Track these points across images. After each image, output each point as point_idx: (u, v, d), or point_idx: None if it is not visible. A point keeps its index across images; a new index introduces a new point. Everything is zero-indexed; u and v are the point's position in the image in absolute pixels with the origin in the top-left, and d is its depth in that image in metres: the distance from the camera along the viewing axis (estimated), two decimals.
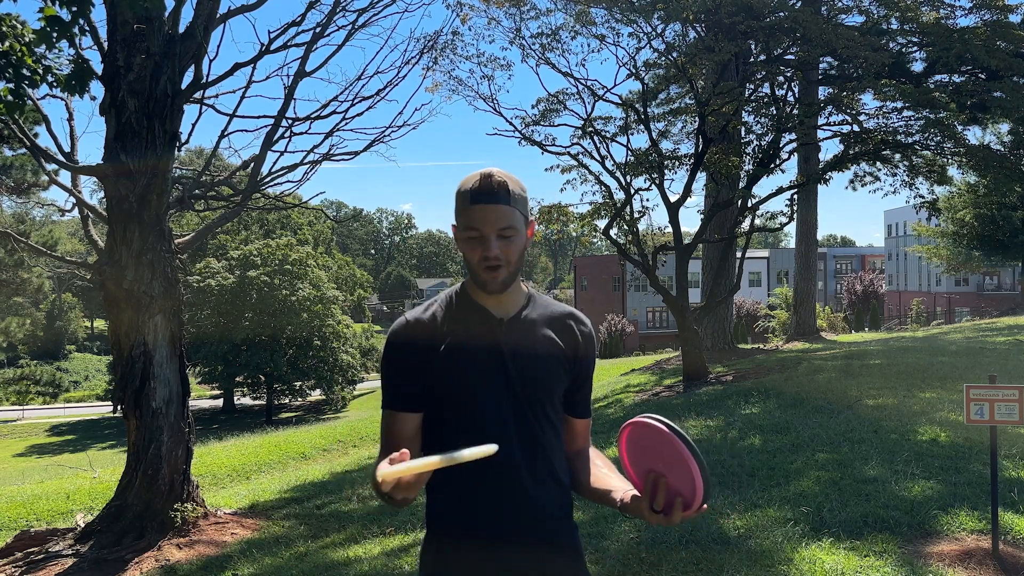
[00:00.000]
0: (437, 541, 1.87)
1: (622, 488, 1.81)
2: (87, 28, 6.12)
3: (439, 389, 1.84)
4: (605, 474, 1.92)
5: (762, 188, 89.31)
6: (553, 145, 13.89)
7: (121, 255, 6.03)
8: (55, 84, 4.03)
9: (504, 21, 13.34)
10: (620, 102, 13.79)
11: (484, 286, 1.84)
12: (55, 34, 3.67)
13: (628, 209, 13.04)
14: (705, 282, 18.27)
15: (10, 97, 3.91)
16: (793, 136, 13.79)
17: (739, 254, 14.14)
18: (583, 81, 13.18)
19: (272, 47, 7.11)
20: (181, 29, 6.20)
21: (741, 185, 13.83)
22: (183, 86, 6.25)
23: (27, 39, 3.82)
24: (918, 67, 15.28)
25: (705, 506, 1.64)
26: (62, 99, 7.30)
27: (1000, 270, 49.40)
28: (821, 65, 16.33)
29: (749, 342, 30.12)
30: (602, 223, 13.63)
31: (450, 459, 1.51)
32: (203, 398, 41.22)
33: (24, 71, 3.88)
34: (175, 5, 6.12)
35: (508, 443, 1.81)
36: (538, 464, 1.85)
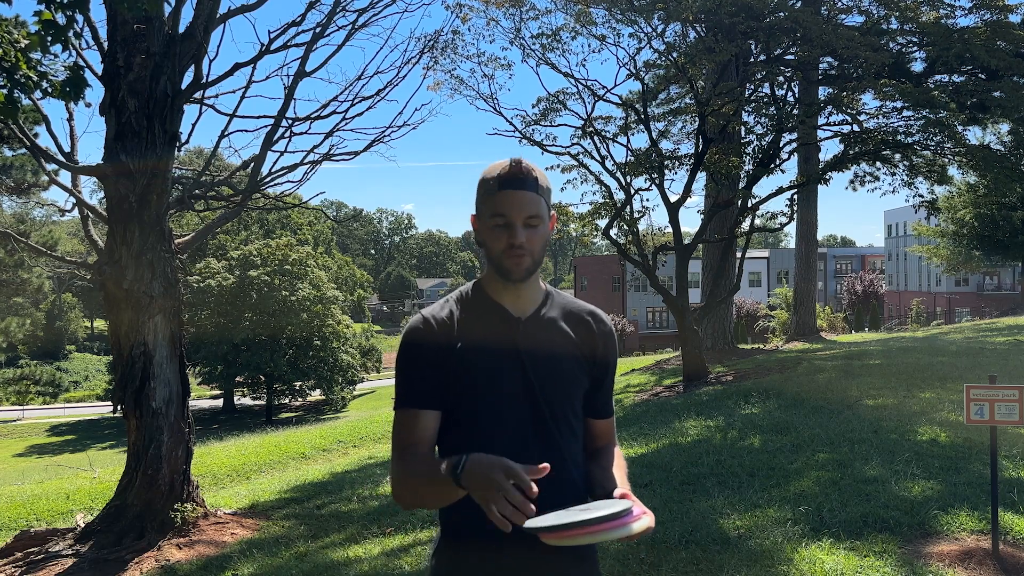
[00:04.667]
0: (451, 544, 1.83)
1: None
2: (83, 32, 6.14)
3: (455, 390, 1.80)
4: (613, 476, 1.85)
5: (762, 188, 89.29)
6: (553, 145, 13.93)
7: (121, 255, 6.03)
8: (50, 91, 4.02)
9: (504, 21, 13.36)
10: (620, 102, 13.80)
11: (508, 274, 1.79)
12: (50, 39, 3.66)
13: (628, 209, 13.05)
14: (705, 282, 18.27)
15: (5, 103, 3.89)
16: (793, 136, 13.79)
17: (739, 254, 14.13)
18: (583, 81, 13.20)
19: (272, 47, 7.12)
20: (181, 29, 6.20)
21: (741, 185, 13.83)
22: (183, 86, 6.25)
23: (22, 44, 3.81)
24: (918, 67, 15.28)
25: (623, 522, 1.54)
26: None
27: (1000, 270, 49.43)
28: (821, 65, 16.32)
29: (749, 342, 30.12)
30: (602, 223, 13.64)
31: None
32: (203, 398, 41.21)
33: (18, 77, 3.87)
34: (175, 5, 6.12)
35: (525, 447, 1.78)
36: (556, 473, 1.77)
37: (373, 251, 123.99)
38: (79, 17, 4.25)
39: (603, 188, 13.62)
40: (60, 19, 3.70)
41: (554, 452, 1.80)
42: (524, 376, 1.79)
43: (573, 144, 13.71)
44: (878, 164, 14.93)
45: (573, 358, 1.85)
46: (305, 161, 8.07)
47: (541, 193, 1.80)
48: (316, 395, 41.88)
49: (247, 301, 37.52)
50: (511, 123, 14.18)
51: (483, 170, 1.84)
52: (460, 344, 1.80)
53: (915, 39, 15.05)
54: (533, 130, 13.92)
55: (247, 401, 41.49)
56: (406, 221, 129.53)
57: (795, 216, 14.42)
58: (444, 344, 1.80)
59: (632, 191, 12.96)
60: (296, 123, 7.63)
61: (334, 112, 7.99)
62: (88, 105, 6.48)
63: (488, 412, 1.79)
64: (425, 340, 1.81)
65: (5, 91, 3.89)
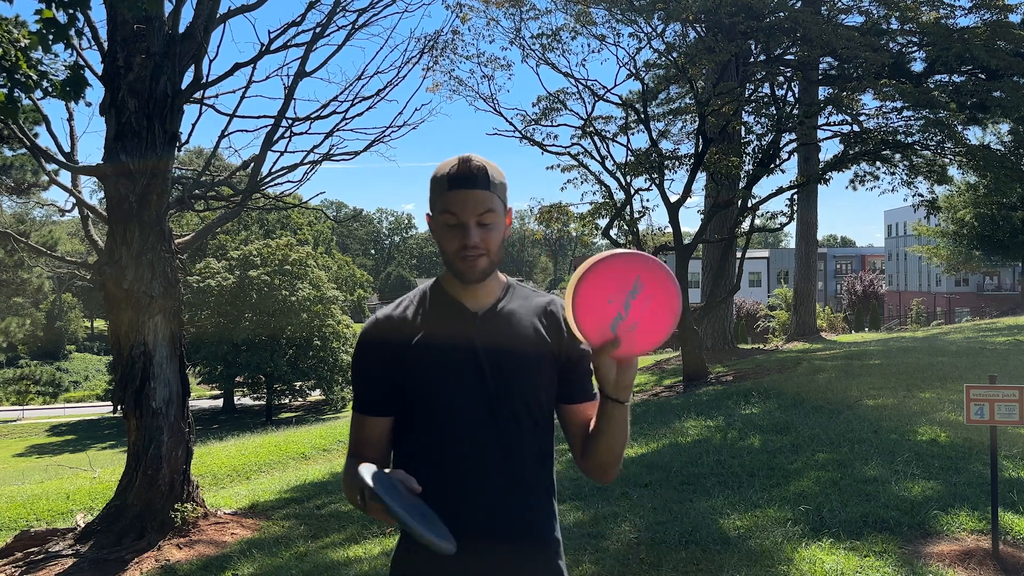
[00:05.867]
0: (407, 550, 1.78)
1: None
2: (83, 31, 6.14)
3: (410, 390, 1.75)
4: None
5: (762, 188, 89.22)
6: (554, 145, 13.95)
7: (121, 255, 6.03)
8: (51, 90, 4.01)
9: (504, 21, 13.39)
10: (620, 102, 13.81)
11: (462, 276, 1.73)
12: (51, 37, 3.66)
13: (628, 209, 13.06)
14: (705, 282, 18.28)
15: (5, 102, 3.89)
16: (793, 136, 13.80)
17: (739, 254, 14.14)
18: (583, 81, 13.23)
19: (272, 47, 7.11)
20: (181, 29, 6.20)
21: (741, 185, 13.84)
22: (183, 86, 6.25)
23: (23, 44, 3.80)
24: (918, 67, 15.29)
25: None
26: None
27: (1000, 270, 49.44)
28: (821, 65, 16.33)
29: (749, 342, 30.10)
30: (602, 223, 13.65)
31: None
32: (203, 398, 41.21)
33: (19, 76, 3.86)
34: (175, 5, 6.12)
35: (483, 450, 1.72)
36: (516, 473, 1.74)
37: (373, 251, 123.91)
38: (80, 16, 4.25)
39: (603, 188, 13.65)
40: (61, 18, 3.69)
41: (511, 449, 1.74)
42: (479, 372, 1.73)
43: (573, 144, 13.75)
44: (878, 164, 14.94)
45: (535, 349, 1.78)
46: (305, 161, 8.07)
47: (494, 189, 1.72)
48: (316, 395, 41.88)
49: (247, 301, 37.50)
50: (511, 123, 14.27)
51: (436, 167, 1.78)
52: (414, 342, 1.75)
53: (915, 39, 15.05)
54: (533, 130, 13.96)
55: (247, 401, 41.47)
56: (406, 221, 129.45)
57: (795, 216, 14.43)
58: (397, 343, 1.76)
59: (632, 191, 12.98)
60: (296, 123, 7.63)
61: (334, 112, 7.99)
62: (88, 104, 6.54)
63: (443, 411, 1.73)
64: (376, 341, 1.78)
65: (6, 90, 3.89)
